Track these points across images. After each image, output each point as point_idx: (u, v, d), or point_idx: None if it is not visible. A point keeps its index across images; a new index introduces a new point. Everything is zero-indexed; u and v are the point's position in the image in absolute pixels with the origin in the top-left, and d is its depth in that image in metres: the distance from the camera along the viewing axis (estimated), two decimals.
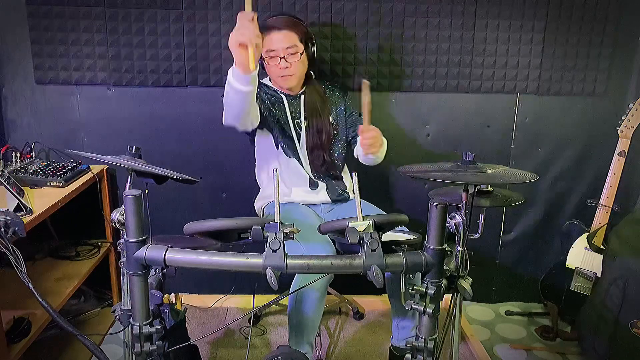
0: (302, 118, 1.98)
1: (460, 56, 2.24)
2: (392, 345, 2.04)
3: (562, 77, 2.30)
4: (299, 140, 1.99)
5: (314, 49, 1.94)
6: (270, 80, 2.01)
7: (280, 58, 1.84)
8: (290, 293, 1.79)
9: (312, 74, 2.03)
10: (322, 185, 2.05)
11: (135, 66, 2.19)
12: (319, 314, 1.81)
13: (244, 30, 1.52)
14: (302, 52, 1.87)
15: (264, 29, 1.79)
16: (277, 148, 2.00)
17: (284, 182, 2.02)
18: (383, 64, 2.24)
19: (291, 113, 1.97)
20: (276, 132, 1.98)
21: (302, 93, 1.99)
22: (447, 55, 2.24)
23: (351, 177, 1.89)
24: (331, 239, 1.78)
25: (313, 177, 2.04)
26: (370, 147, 1.85)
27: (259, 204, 2.12)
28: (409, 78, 2.27)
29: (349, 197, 2.09)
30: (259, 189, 2.12)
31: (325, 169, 2.04)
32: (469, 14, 2.20)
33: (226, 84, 1.68)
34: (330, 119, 2.03)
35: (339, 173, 2.10)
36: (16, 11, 2.12)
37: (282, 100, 1.97)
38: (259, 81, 1.94)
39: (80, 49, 2.17)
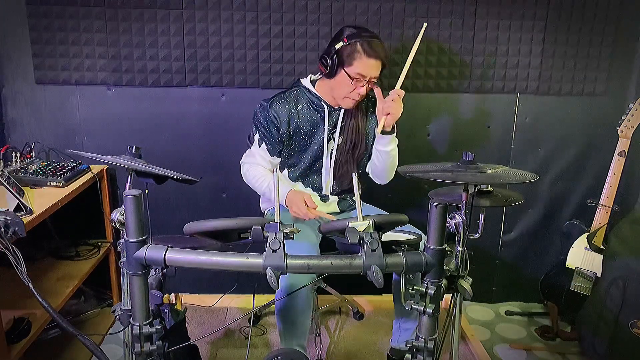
0: (338, 130, 1.95)
1: (460, 56, 2.25)
2: (391, 347, 2.03)
3: (562, 77, 2.30)
4: (327, 153, 1.96)
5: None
6: (311, 81, 1.94)
7: (366, 83, 1.80)
8: (281, 298, 1.74)
9: None
10: (333, 198, 2.05)
11: (135, 66, 2.19)
12: (308, 313, 1.80)
13: (300, 212, 1.81)
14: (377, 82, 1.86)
15: (365, 51, 1.75)
16: (282, 172, 2.00)
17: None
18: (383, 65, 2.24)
19: (328, 126, 1.93)
20: (293, 153, 1.96)
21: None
22: (447, 55, 2.24)
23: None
24: (331, 239, 1.78)
25: (330, 192, 2.03)
26: (392, 110, 1.81)
27: (264, 205, 2.12)
28: (409, 78, 2.26)
29: None
30: None
31: (348, 183, 2.02)
32: (469, 14, 2.20)
33: (261, 186, 1.93)
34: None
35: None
36: (16, 11, 2.12)
37: (323, 111, 1.92)
38: (299, 83, 1.95)
39: (80, 49, 2.17)
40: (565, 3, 2.20)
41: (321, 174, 2.00)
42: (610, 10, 2.22)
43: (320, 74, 1.93)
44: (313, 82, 1.94)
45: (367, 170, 2.07)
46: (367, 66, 1.77)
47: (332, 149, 1.96)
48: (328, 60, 1.81)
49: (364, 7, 2.16)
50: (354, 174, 1.28)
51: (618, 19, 2.23)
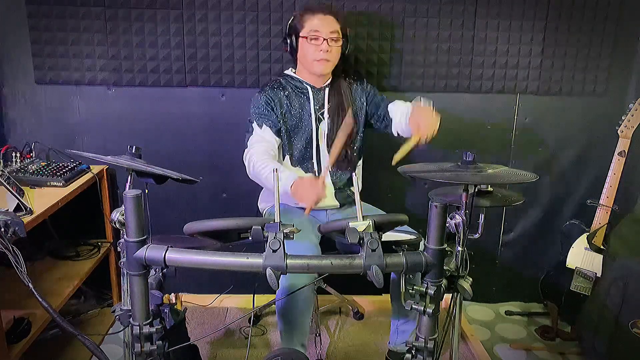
0: (325, 110, 1.98)
1: (460, 56, 2.24)
2: (389, 349, 2.03)
3: (562, 77, 2.30)
4: (317, 134, 1.98)
5: (348, 45, 1.97)
6: (293, 71, 2.01)
7: (324, 39, 1.85)
8: (282, 298, 1.74)
9: (340, 68, 2.04)
10: (329, 191, 2.03)
11: (135, 66, 2.19)
12: (308, 313, 1.80)
13: (314, 197, 1.64)
14: (342, 41, 1.92)
15: (309, 10, 1.89)
16: (284, 159, 2.00)
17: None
18: (383, 64, 2.24)
19: (314, 106, 1.97)
20: (287, 137, 1.97)
21: (326, 86, 1.99)
22: (447, 55, 2.24)
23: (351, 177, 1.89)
24: (331, 239, 1.78)
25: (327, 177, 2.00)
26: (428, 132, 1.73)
27: (262, 205, 2.12)
28: (409, 78, 2.26)
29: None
30: (261, 188, 2.11)
31: (345, 164, 2.03)
32: (469, 14, 2.20)
33: (265, 175, 1.78)
34: (351, 112, 1.97)
35: (354, 168, 2.07)
36: (16, 11, 2.12)
37: (307, 92, 1.97)
38: (282, 73, 2.02)
39: (80, 49, 2.17)
40: (565, 3, 2.20)
41: (317, 156, 2.00)
42: (610, 10, 2.22)
43: (292, 64, 2.02)
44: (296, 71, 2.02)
45: (394, 133, 1.99)
46: (317, 22, 1.86)
47: (324, 129, 1.99)
48: (287, 40, 1.93)
49: (364, 7, 2.16)
50: (353, 173, 1.28)
51: (618, 19, 2.23)
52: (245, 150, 1.95)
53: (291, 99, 1.97)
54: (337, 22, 1.89)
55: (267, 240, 1.12)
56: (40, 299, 1.17)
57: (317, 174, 2.02)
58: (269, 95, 1.95)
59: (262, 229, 1.15)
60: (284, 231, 1.13)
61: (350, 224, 1.18)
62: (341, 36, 1.91)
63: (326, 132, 1.99)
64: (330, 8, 1.93)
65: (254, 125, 1.95)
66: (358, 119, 2.03)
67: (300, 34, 1.88)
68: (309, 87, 1.97)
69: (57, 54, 2.17)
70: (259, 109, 1.95)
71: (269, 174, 1.78)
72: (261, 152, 1.87)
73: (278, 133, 1.96)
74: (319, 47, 1.86)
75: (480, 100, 2.33)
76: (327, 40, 1.86)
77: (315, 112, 1.97)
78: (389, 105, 2.01)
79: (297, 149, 1.99)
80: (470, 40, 2.23)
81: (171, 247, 1.14)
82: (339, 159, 1.96)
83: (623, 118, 2.12)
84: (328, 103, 1.98)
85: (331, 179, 2.03)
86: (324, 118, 1.98)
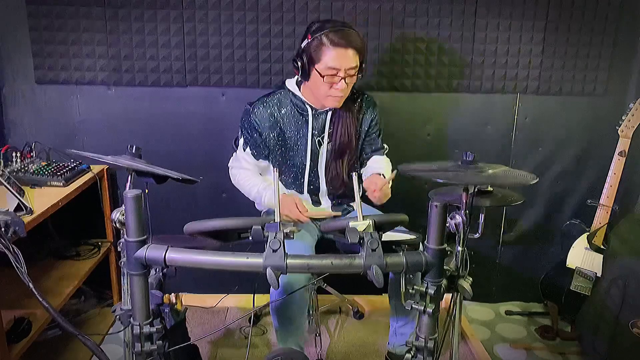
0: (326, 134, 1.86)
1: (460, 56, 2.25)
2: (388, 350, 2.03)
3: (562, 77, 2.30)
4: (316, 158, 1.89)
5: (363, 71, 1.76)
6: (297, 85, 1.85)
7: (341, 78, 1.67)
8: (277, 300, 1.73)
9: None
10: (326, 204, 2.01)
11: (135, 66, 2.19)
12: (304, 311, 1.80)
13: (291, 215, 1.74)
14: (359, 74, 1.73)
15: (329, 42, 1.64)
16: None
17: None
18: (383, 64, 2.24)
19: (313, 129, 1.85)
20: (280, 158, 1.91)
21: (329, 110, 1.85)
22: (447, 55, 2.24)
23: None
24: (331, 239, 1.78)
25: (326, 196, 1.99)
26: (379, 200, 1.78)
27: (260, 205, 2.12)
28: (409, 78, 2.26)
29: (353, 210, 2.03)
30: None
31: (342, 191, 1.97)
32: (469, 14, 2.20)
33: (250, 191, 1.92)
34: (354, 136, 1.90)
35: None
36: (16, 11, 2.12)
37: (307, 113, 1.84)
38: (284, 85, 1.90)
39: (80, 49, 2.17)
40: (565, 3, 2.20)
41: (313, 179, 1.94)
42: (610, 10, 2.22)
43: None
44: (300, 83, 1.85)
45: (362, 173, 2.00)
46: (337, 57, 1.64)
47: (322, 154, 1.90)
48: (298, 62, 1.71)
49: (364, 7, 2.16)
50: (353, 173, 1.27)
51: (618, 19, 2.23)
52: (229, 164, 2.01)
53: (287, 119, 1.85)
54: (358, 55, 1.68)
55: (267, 240, 1.12)
56: (40, 299, 1.17)
57: (317, 195, 1.98)
58: (259, 115, 1.84)
59: (262, 229, 1.15)
60: (284, 231, 1.13)
61: (350, 223, 1.18)
62: (359, 68, 1.71)
63: (325, 159, 1.90)
64: (354, 40, 1.66)
65: (241, 141, 1.91)
66: (358, 143, 1.94)
67: (315, 67, 1.67)
68: (309, 109, 1.83)
69: (57, 54, 2.17)
70: (246, 127, 1.87)
71: (255, 194, 1.92)
72: (243, 173, 1.96)
73: (264, 157, 1.91)
74: (335, 85, 1.69)
75: (480, 100, 2.33)
76: (344, 78, 1.68)
77: (312, 136, 1.86)
78: (374, 155, 1.97)
79: (292, 172, 1.93)
80: (470, 40, 2.23)
81: (171, 247, 1.14)
82: (335, 183, 1.96)
83: (623, 118, 2.12)
84: (329, 128, 1.86)
85: (327, 196, 2.00)
86: (323, 142, 1.88)
